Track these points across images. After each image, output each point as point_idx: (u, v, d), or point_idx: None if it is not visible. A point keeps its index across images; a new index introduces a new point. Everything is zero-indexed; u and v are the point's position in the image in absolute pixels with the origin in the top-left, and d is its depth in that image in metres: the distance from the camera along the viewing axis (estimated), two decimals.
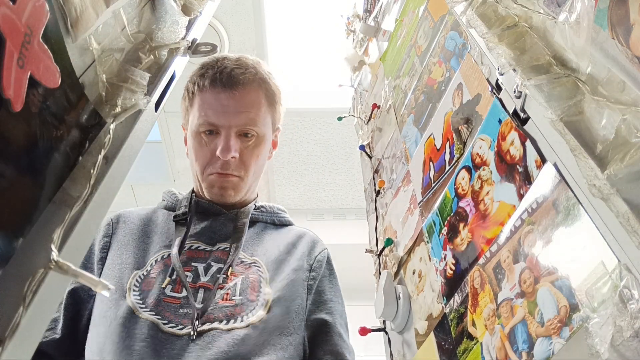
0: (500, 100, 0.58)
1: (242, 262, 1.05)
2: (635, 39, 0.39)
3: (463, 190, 0.61)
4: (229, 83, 1.08)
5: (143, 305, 0.94)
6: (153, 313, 0.92)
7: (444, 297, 0.58)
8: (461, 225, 0.59)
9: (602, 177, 0.40)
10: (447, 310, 0.57)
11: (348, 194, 3.66)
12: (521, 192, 0.49)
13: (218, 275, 1.00)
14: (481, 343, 0.49)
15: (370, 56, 1.37)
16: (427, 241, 0.66)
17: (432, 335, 0.59)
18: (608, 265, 0.38)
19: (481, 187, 0.57)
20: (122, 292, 0.97)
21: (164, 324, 0.91)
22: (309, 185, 3.57)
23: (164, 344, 0.89)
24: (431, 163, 0.72)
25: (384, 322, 0.77)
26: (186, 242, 1.06)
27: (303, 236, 1.17)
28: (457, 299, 0.55)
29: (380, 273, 0.81)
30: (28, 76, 0.38)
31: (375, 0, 1.34)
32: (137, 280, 0.99)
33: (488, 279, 0.50)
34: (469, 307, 0.52)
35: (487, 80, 0.63)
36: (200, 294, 0.97)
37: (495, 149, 0.56)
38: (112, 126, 0.49)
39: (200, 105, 1.10)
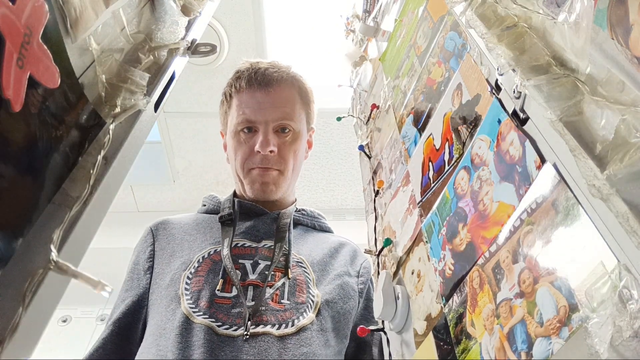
0: (500, 101, 0.58)
1: (287, 260, 1.05)
2: (634, 39, 0.39)
3: (462, 190, 0.60)
4: (264, 81, 1.13)
5: (196, 310, 0.94)
6: (207, 316, 0.92)
7: (443, 297, 0.58)
8: (460, 225, 0.59)
9: (601, 177, 0.40)
10: (446, 310, 0.57)
11: (347, 195, 3.66)
12: (520, 192, 0.49)
13: (266, 273, 1.00)
14: (480, 343, 0.49)
15: (370, 56, 1.37)
16: (427, 241, 0.66)
17: (430, 335, 0.59)
18: (607, 265, 0.38)
19: (480, 187, 0.57)
20: (177, 299, 0.97)
21: (219, 326, 0.91)
22: (308, 186, 3.57)
23: (221, 347, 0.89)
24: (430, 163, 0.72)
25: (383, 322, 0.77)
26: (232, 241, 1.07)
27: (345, 244, 1.19)
28: (456, 299, 0.55)
29: (379, 273, 0.81)
30: (27, 76, 0.38)
31: (375, 0, 1.34)
32: (186, 282, 0.99)
33: (487, 279, 0.50)
34: (468, 307, 0.52)
35: (487, 80, 0.63)
36: (250, 292, 0.97)
37: (495, 149, 0.56)
38: (111, 126, 0.49)
39: (238, 105, 1.14)
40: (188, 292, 0.97)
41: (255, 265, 1.02)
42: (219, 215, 1.14)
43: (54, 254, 0.37)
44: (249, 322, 0.92)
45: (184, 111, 3.05)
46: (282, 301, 0.98)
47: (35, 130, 0.40)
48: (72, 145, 0.45)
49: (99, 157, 0.46)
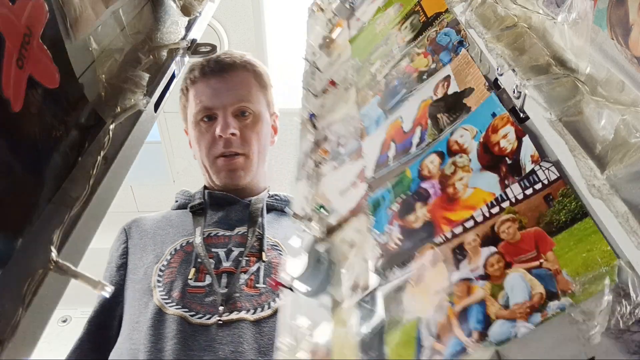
0: (499, 96, 0.59)
1: (261, 244, 1.04)
2: (634, 40, 0.39)
3: (429, 172, 0.62)
4: (218, 68, 1.14)
5: (169, 300, 0.93)
6: (180, 307, 0.91)
7: (380, 270, 0.58)
8: (419, 204, 0.60)
9: (601, 177, 0.40)
10: (381, 282, 0.57)
11: None
12: (505, 182, 0.50)
13: (240, 259, 1.00)
14: (419, 317, 0.49)
15: (335, 39, 1.37)
16: (371, 214, 0.67)
17: (354, 304, 0.59)
18: (605, 260, 0.38)
19: (454, 173, 0.58)
20: (149, 291, 0.96)
21: (192, 315, 0.90)
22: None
23: (194, 336, 0.88)
24: (393, 143, 0.74)
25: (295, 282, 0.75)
26: (204, 231, 1.06)
27: None
28: (396, 272, 0.56)
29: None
30: (27, 77, 0.38)
31: None
32: (158, 274, 0.98)
33: (444, 258, 0.51)
34: (411, 281, 0.53)
35: (485, 77, 0.63)
36: (224, 279, 0.96)
37: (481, 140, 0.57)
38: (111, 127, 0.49)
39: (195, 96, 1.15)
40: (161, 284, 0.96)
41: (228, 253, 1.01)
42: (190, 205, 1.13)
43: (54, 254, 0.37)
44: (222, 309, 0.90)
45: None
46: (257, 285, 0.97)
47: (35, 130, 0.40)
48: (72, 145, 0.45)
49: (99, 157, 0.46)
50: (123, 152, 0.50)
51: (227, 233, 1.06)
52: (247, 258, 1.00)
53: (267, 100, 1.22)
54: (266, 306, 0.94)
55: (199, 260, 0.98)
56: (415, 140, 0.68)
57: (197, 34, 0.79)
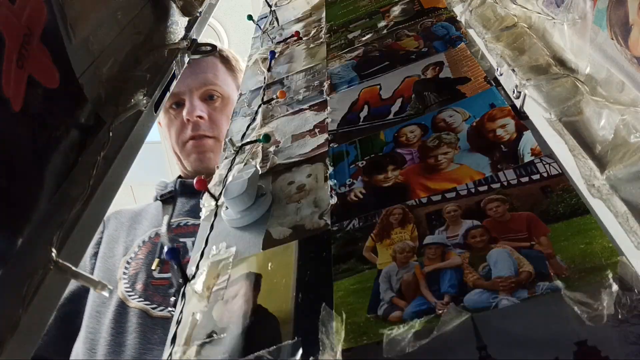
0: (505, 91, 0.61)
1: None
2: (634, 40, 0.39)
3: (408, 140, 0.65)
4: None
5: (132, 293, 0.91)
6: (142, 299, 0.90)
7: (334, 217, 0.60)
8: (390, 166, 0.63)
9: (601, 177, 0.40)
10: (333, 228, 0.58)
11: None
12: (498, 166, 0.53)
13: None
14: (379, 270, 0.50)
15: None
16: (330, 164, 0.69)
17: (294, 243, 0.60)
18: (606, 255, 0.39)
19: (437, 146, 0.61)
20: (114, 284, 0.94)
21: (153, 308, 0.89)
22: None
23: (154, 329, 0.86)
24: (367, 106, 0.78)
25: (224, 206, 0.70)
26: (173, 220, 1.03)
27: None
28: (355, 223, 0.57)
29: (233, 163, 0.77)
30: (27, 76, 0.38)
31: None
32: (125, 266, 0.97)
33: (415, 220, 0.53)
34: (372, 235, 0.54)
35: (488, 72, 0.66)
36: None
37: (474, 124, 0.61)
38: (111, 127, 0.49)
39: None
40: (126, 277, 0.94)
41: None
42: (160, 195, 1.11)
43: (54, 254, 0.37)
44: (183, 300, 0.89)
45: None
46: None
47: (35, 130, 0.40)
48: (72, 145, 0.45)
49: (99, 157, 0.46)
50: (123, 152, 0.50)
51: (197, 222, 1.02)
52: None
53: (237, 84, 1.20)
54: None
55: (163, 250, 0.96)
56: (395, 109, 0.73)
57: (197, 34, 0.79)
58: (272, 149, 0.80)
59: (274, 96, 0.94)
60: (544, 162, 0.49)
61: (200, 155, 1.11)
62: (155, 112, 0.63)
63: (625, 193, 0.39)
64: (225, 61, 1.20)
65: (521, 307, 0.40)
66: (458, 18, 0.80)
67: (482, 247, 0.46)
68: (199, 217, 1.02)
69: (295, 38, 1.16)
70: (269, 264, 0.59)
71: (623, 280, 0.36)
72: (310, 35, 1.14)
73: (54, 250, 0.37)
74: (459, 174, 0.55)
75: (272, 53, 1.12)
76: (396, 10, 1.00)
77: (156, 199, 1.16)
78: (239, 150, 0.79)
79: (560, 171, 0.47)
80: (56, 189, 0.42)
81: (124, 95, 0.53)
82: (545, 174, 0.49)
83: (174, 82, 0.70)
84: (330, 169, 0.68)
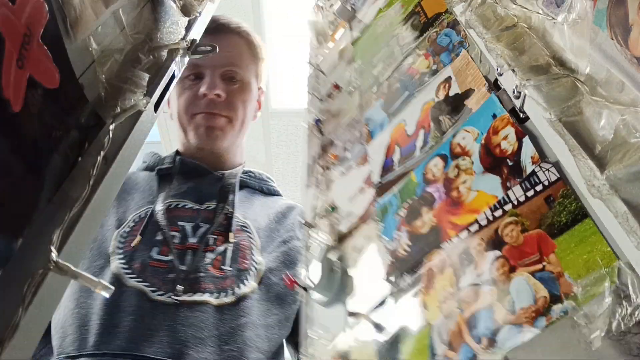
0: (498, 97, 0.58)
1: (230, 223, 0.98)
2: (634, 40, 0.39)
3: (434, 176, 0.61)
4: (212, 28, 1.07)
5: (129, 271, 0.86)
6: (140, 280, 0.85)
7: (391, 277, 0.58)
8: (424, 209, 0.59)
9: (601, 177, 0.40)
10: (394, 290, 0.56)
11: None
12: (507, 184, 0.50)
13: (207, 236, 0.93)
14: (432, 325, 0.48)
15: (337, 42, 1.37)
16: (380, 220, 0.66)
17: (368, 313, 0.59)
18: (605, 262, 0.38)
19: (457, 176, 0.57)
20: (106, 258, 0.89)
21: (153, 291, 0.84)
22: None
23: (153, 314, 0.82)
24: (397, 147, 0.73)
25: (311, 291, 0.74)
26: (171, 201, 0.98)
27: (293, 207, 1.12)
28: (406, 279, 0.55)
29: (311, 245, 0.79)
30: (27, 77, 0.38)
31: None
32: (119, 240, 0.91)
33: (451, 263, 0.50)
34: (422, 289, 0.52)
35: (485, 77, 0.63)
36: (189, 257, 0.90)
37: (483, 142, 0.56)
38: (111, 127, 0.49)
39: None
40: (121, 252, 0.89)
41: (196, 228, 0.94)
42: (157, 169, 1.05)
43: (54, 254, 0.37)
44: (182, 288, 0.84)
45: None
46: (223, 267, 0.91)
47: (34, 130, 0.40)
48: (72, 145, 0.45)
49: (99, 158, 0.46)
50: (123, 152, 0.50)
51: (196, 206, 0.99)
52: (214, 236, 0.94)
53: (257, 72, 1.17)
54: (230, 291, 0.88)
55: (162, 231, 0.91)
56: (419, 143, 0.68)
57: (197, 34, 0.79)
58: (336, 212, 0.79)
59: (329, 158, 0.93)
60: (543, 169, 0.48)
61: (208, 131, 1.06)
62: (155, 112, 0.63)
63: (625, 193, 0.39)
64: (252, 47, 1.16)
65: (541, 337, 0.38)
66: (458, 18, 0.80)
67: (505, 279, 0.44)
68: (197, 201, 0.99)
69: (335, 90, 1.14)
70: (353, 339, 0.59)
71: (621, 287, 0.36)
72: (346, 81, 1.11)
73: (54, 250, 0.37)
74: (478, 202, 0.52)
75: (317, 120, 1.10)
76: (407, 27, 0.94)
77: (146, 169, 1.09)
78: (315, 230, 0.80)
79: (559, 175, 0.46)
80: (56, 189, 0.42)
81: (124, 95, 0.53)
82: (546, 182, 0.47)
83: (174, 82, 0.69)
84: (380, 225, 0.65)
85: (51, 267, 0.36)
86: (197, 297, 0.85)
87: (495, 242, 0.47)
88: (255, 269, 0.94)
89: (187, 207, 1.00)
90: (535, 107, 0.50)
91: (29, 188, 0.39)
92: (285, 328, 0.94)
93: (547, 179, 0.47)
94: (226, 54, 1.10)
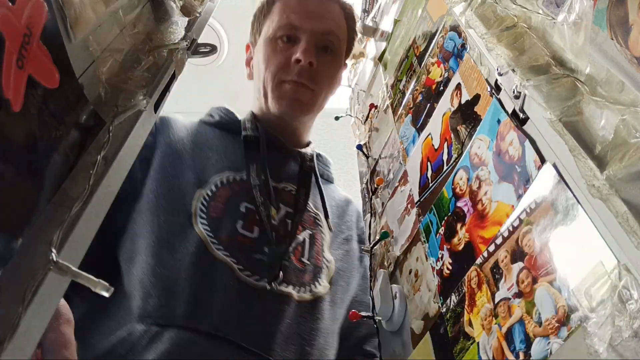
0: (500, 101, 0.58)
1: (307, 211, 0.91)
2: (634, 40, 0.39)
3: (461, 190, 0.60)
4: None
5: (215, 241, 0.78)
6: (228, 254, 0.77)
7: (441, 297, 0.58)
8: (459, 225, 0.59)
9: (601, 177, 0.40)
10: (443, 309, 0.57)
11: (349, 194, 3.66)
12: (519, 192, 0.50)
13: (288, 221, 0.87)
14: (478, 343, 0.49)
15: (368, 55, 1.37)
16: (424, 241, 0.66)
17: (427, 335, 0.59)
18: (607, 265, 0.38)
19: (479, 187, 0.57)
20: (187, 214, 0.79)
21: (240, 270, 0.76)
22: None
23: (240, 296, 0.74)
24: (429, 163, 0.72)
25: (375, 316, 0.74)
26: (270, 180, 0.89)
27: (350, 202, 1.06)
28: (453, 298, 0.55)
29: (373, 271, 0.79)
30: (27, 77, 0.38)
31: (374, 0, 1.34)
32: (202, 202, 0.82)
33: (485, 278, 0.50)
34: (465, 306, 0.52)
35: (486, 80, 0.63)
36: (273, 239, 0.82)
37: (494, 149, 0.56)
38: (111, 127, 0.49)
39: (282, 9, 1.01)
40: (205, 216, 0.80)
41: (277, 210, 0.87)
42: (243, 135, 0.95)
43: (54, 255, 0.37)
44: (273, 274, 0.76)
45: (184, 111, 3.04)
46: (302, 259, 0.84)
47: (34, 130, 0.40)
48: (72, 145, 0.45)
49: (99, 158, 0.46)
50: (123, 152, 0.50)
51: (274, 184, 0.90)
52: (294, 222, 0.86)
53: (349, 46, 1.10)
54: (308, 288, 0.82)
55: (251, 205, 0.83)
56: (445, 157, 0.67)
57: (197, 34, 0.79)
58: (387, 236, 0.77)
59: (375, 182, 0.89)
60: (545, 173, 0.47)
61: (294, 103, 0.99)
62: (155, 112, 0.63)
63: (625, 193, 0.39)
64: (350, 19, 1.09)
65: (565, 347, 0.38)
66: (457, 18, 0.80)
67: (530, 291, 0.44)
68: (275, 178, 0.90)
69: (373, 109, 1.10)
70: None
71: (623, 289, 0.36)
72: (381, 99, 1.08)
73: (54, 250, 0.37)
74: (498, 214, 0.52)
75: (359, 146, 1.06)
76: (419, 36, 0.92)
77: (218, 127, 1.00)
78: (371, 254, 0.78)
79: (559, 177, 0.46)
80: (56, 189, 0.42)
81: (124, 95, 0.53)
82: (549, 187, 0.46)
83: (174, 82, 0.69)
84: (425, 246, 0.64)
85: (51, 267, 0.36)
86: (283, 287, 0.79)
87: (518, 254, 0.47)
88: (327, 267, 0.88)
89: (290, 191, 0.94)
90: (536, 107, 0.50)
91: (29, 188, 0.39)
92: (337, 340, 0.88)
93: (551, 182, 0.46)
94: (327, 22, 1.02)
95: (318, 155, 1.08)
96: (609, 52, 0.42)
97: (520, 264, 0.46)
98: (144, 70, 0.58)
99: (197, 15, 0.79)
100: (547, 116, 0.48)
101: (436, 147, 0.71)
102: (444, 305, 0.57)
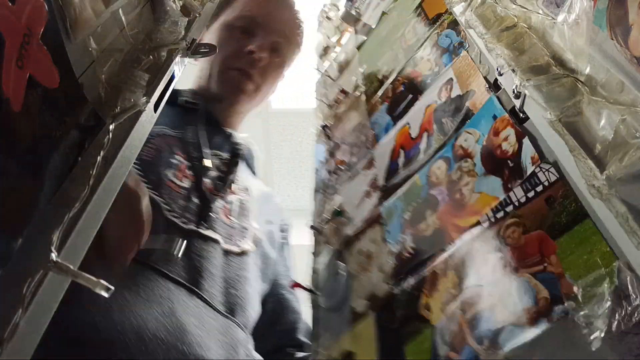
0: (498, 98, 0.58)
1: (235, 180, 0.96)
2: (634, 40, 0.39)
3: (437, 179, 0.62)
4: None
5: (145, 180, 0.79)
6: (157, 193, 0.79)
7: (395, 279, 0.58)
8: (428, 212, 0.59)
9: (601, 177, 0.40)
10: (396, 291, 0.56)
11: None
12: (509, 186, 0.50)
13: (218, 182, 0.91)
14: (434, 326, 0.49)
15: (343, 46, 1.38)
16: (385, 224, 0.66)
17: (372, 314, 0.59)
18: (605, 262, 0.38)
19: (460, 178, 0.58)
20: None
21: (168, 210, 0.79)
22: (308, 186, 3.57)
23: (168, 232, 0.76)
24: (402, 150, 0.73)
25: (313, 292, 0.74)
26: (208, 151, 0.93)
27: (273, 194, 1.13)
28: (410, 281, 0.55)
29: (317, 247, 0.78)
30: (27, 77, 0.38)
31: None
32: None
33: (454, 265, 0.51)
34: (425, 290, 0.53)
35: (485, 78, 0.63)
36: (201, 193, 0.86)
37: (484, 143, 0.57)
38: (111, 127, 0.49)
39: (248, 2, 1.07)
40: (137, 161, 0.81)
41: (207, 171, 0.91)
42: (182, 99, 1.00)
43: (53, 255, 0.37)
44: (197, 219, 0.81)
45: None
46: (230, 217, 0.89)
47: (34, 130, 0.40)
48: (72, 145, 0.45)
49: (99, 158, 0.46)
50: (123, 152, 0.50)
51: (207, 150, 0.94)
52: (223, 184, 0.92)
53: (292, 58, 1.17)
54: (235, 241, 0.86)
55: (184, 159, 0.87)
56: (423, 146, 0.68)
57: (197, 34, 0.79)
58: (342, 216, 0.79)
59: (335, 164, 0.92)
60: (543, 170, 0.48)
61: (236, 90, 1.04)
62: (155, 112, 0.63)
63: (625, 193, 0.39)
64: (300, 32, 1.16)
65: (542, 337, 0.39)
66: (458, 18, 0.80)
67: (507, 280, 0.44)
68: (227, 153, 0.96)
69: (342, 95, 1.13)
70: (359, 340, 0.59)
71: (621, 287, 0.36)
72: (353, 86, 1.11)
73: (54, 250, 0.37)
74: (480, 204, 0.53)
75: (324, 127, 1.10)
76: (409, 31, 0.95)
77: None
78: (318, 231, 0.79)
79: (558, 176, 0.47)
80: (56, 189, 0.42)
81: (123, 95, 0.53)
82: (546, 183, 0.47)
83: (174, 82, 0.69)
84: (384, 228, 0.65)
85: (51, 267, 0.36)
86: (210, 233, 0.83)
87: (498, 244, 0.48)
88: (254, 232, 0.93)
89: (224, 159, 0.98)
90: (535, 107, 0.50)
91: (29, 188, 0.39)
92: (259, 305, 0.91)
93: (547, 179, 0.47)
94: (285, 26, 1.09)
95: (248, 144, 1.12)
96: (609, 52, 0.42)
97: (498, 255, 0.47)
98: (144, 70, 0.58)
99: (197, 15, 0.79)
100: (547, 116, 0.48)
101: (414, 136, 0.72)
102: (398, 287, 0.57)
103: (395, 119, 0.80)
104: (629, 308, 0.34)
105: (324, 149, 1.10)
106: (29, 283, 0.35)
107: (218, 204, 0.89)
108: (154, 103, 0.61)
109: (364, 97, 1.00)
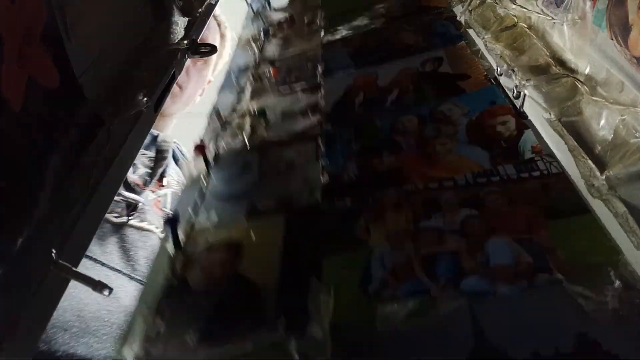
0: (504, 89, 0.62)
1: (165, 174, 1.02)
2: (633, 40, 0.39)
3: (405, 128, 0.68)
4: None
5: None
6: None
7: (328, 196, 0.62)
8: (386, 151, 0.65)
9: (601, 177, 0.40)
10: (324, 206, 0.60)
11: None
12: (497, 160, 0.54)
13: (147, 178, 0.96)
14: (372, 248, 0.52)
15: None
16: (322, 145, 0.72)
17: (282, 218, 0.62)
18: (607, 255, 0.39)
19: (437, 136, 0.63)
20: None
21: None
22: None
23: (101, 228, 0.81)
24: (362, 93, 0.81)
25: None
26: None
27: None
28: (347, 202, 0.59)
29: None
30: (27, 76, 0.38)
31: None
32: None
33: (410, 204, 0.55)
34: (365, 214, 0.56)
35: (487, 71, 0.66)
36: (133, 188, 0.92)
37: (474, 119, 0.62)
38: (111, 127, 0.49)
39: None
40: None
41: (134, 168, 0.97)
42: None
43: (54, 254, 0.37)
44: (130, 211, 0.86)
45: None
46: (163, 209, 0.95)
47: (35, 130, 0.40)
48: (72, 145, 0.45)
49: (99, 157, 0.46)
50: (123, 152, 0.50)
51: None
52: (154, 181, 0.97)
53: (216, 63, 1.21)
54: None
55: None
56: (392, 98, 0.76)
57: (197, 34, 0.79)
58: (262, 124, 0.82)
59: (267, 73, 0.95)
60: (545, 160, 0.50)
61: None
62: (155, 112, 0.63)
63: (625, 193, 0.39)
64: (217, 24, 1.22)
65: (521, 297, 0.40)
66: (458, 18, 0.80)
67: (481, 236, 0.47)
68: (154, 151, 1.01)
69: (289, 23, 1.18)
70: (253, 235, 0.61)
71: (624, 278, 0.37)
72: (306, 21, 1.15)
73: (54, 250, 0.37)
74: (458, 164, 0.57)
75: (266, 32, 1.12)
76: (395, 4, 1.03)
77: None
78: (226, 123, 0.81)
79: (561, 170, 0.47)
80: (56, 189, 0.42)
81: (124, 95, 0.53)
82: (545, 172, 0.49)
83: (174, 82, 0.69)
84: (323, 149, 0.70)
85: (51, 267, 0.36)
86: (145, 224, 0.88)
87: (474, 203, 0.51)
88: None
89: None
90: (535, 107, 0.50)
91: (29, 188, 0.39)
92: None
93: (547, 169, 0.49)
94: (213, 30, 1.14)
95: (176, 144, 1.17)
96: (609, 52, 0.42)
97: (473, 211, 0.50)
98: (144, 70, 0.58)
99: (197, 15, 0.79)
100: (547, 116, 0.48)
101: (381, 86, 0.80)
102: (327, 203, 0.60)
103: (359, 65, 0.88)
104: (632, 297, 0.35)
105: (251, 55, 1.12)
106: (30, 282, 0.35)
107: (151, 197, 0.94)
108: (154, 103, 0.61)
109: (320, 34, 1.06)
